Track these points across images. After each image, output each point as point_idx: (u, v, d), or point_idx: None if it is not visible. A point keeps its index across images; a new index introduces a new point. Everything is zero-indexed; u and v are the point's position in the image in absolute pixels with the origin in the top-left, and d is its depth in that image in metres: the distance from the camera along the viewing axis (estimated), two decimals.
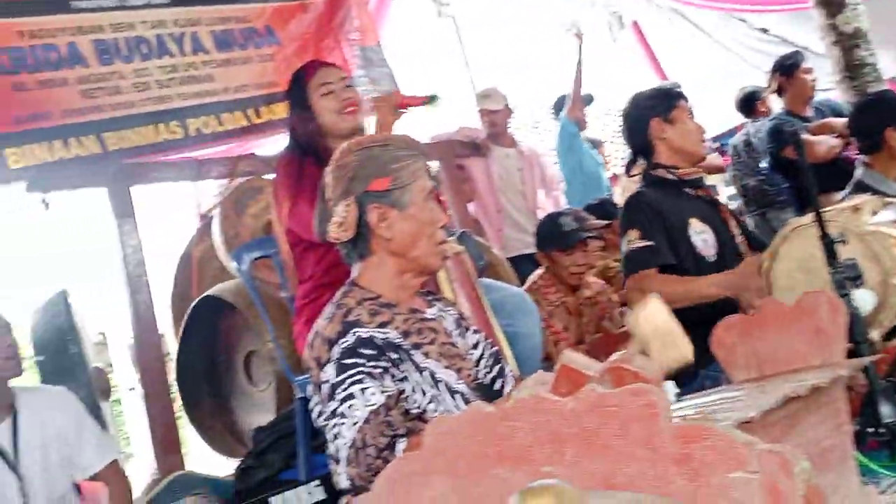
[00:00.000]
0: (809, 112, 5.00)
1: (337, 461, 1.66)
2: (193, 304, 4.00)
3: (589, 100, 5.97)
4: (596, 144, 6.34)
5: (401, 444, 1.61)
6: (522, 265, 4.53)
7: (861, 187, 3.27)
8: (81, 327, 3.97)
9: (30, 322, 4.02)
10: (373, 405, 1.63)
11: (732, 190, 6.01)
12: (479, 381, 1.91)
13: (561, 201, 5.47)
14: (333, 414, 1.65)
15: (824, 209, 2.07)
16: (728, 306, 2.31)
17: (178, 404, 4.10)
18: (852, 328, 1.70)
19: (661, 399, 0.87)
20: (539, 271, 3.88)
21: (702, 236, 2.75)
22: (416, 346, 1.78)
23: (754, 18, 7.08)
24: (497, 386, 1.93)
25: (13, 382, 2.80)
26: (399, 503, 1.04)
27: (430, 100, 2.79)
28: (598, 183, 5.69)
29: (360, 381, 1.64)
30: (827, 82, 5.30)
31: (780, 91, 5.06)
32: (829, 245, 1.93)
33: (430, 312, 1.91)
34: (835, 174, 4.13)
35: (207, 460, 4.21)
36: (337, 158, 1.89)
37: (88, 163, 3.88)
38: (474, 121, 5.38)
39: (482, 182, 5.10)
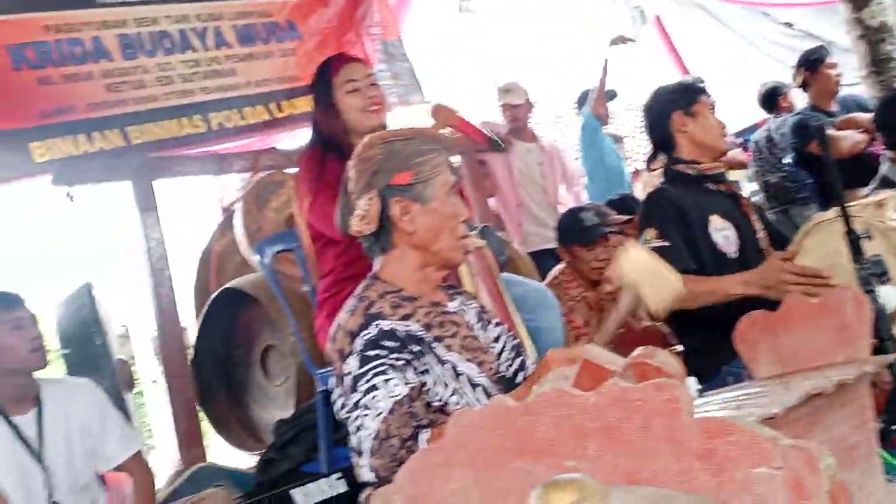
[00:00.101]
0: (834, 107, 4.96)
1: (359, 453, 1.66)
2: (212, 297, 4.02)
3: (612, 95, 5.94)
4: (617, 140, 6.32)
5: (424, 435, 1.62)
6: (543, 260, 4.52)
7: (886, 183, 3.25)
8: (106, 320, 4.01)
9: (55, 315, 4.06)
10: (396, 396, 1.63)
11: (755, 186, 5.96)
12: (501, 374, 1.91)
13: (582, 196, 5.46)
14: (356, 406, 1.66)
15: (849, 204, 2.06)
16: (749, 302, 2.29)
17: None
18: (878, 324, 1.69)
19: (684, 394, 0.87)
20: (560, 266, 3.87)
21: (723, 233, 2.73)
22: (438, 339, 1.79)
23: (779, 12, 7.02)
24: (519, 379, 1.93)
25: (38, 374, 2.84)
26: (421, 495, 1.04)
27: (494, 144, 2.78)
28: (620, 178, 5.66)
29: (383, 373, 1.65)
30: (852, 77, 5.25)
31: (804, 86, 5.02)
32: (854, 241, 1.92)
33: (452, 306, 1.92)
34: (860, 169, 4.10)
35: (229, 453, 4.23)
36: (360, 152, 1.89)
37: (112, 156, 3.90)
38: (496, 115, 5.37)
39: (503, 177, 5.09)
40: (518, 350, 2.00)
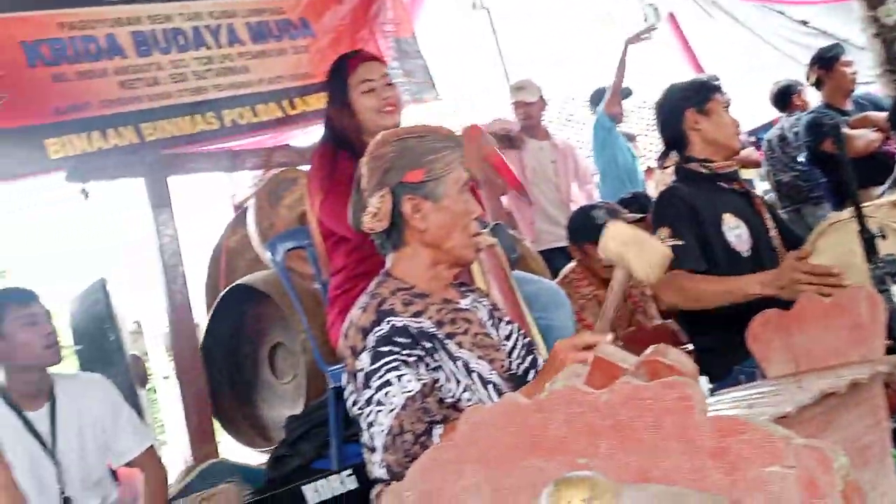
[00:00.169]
0: (849, 105, 4.93)
1: (371, 450, 1.67)
2: (222, 293, 4.03)
3: (627, 93, 5.91)
4: (630, 138, 6.30)
5: (438, 430, 1.62)
6: (555, 258, 4.52)
7: None
8: (119, 316, 4.02)
9: (69, 310, 4.08)
10: (409, 391, 1.63)
11: (767, 185, 5.93)
12: (512, 371, 1.91)
13: (594, 194, 5.44)
14: (369, 402, 1.66)
15: (864, 204, 2.05)
16: (761, 301, 2.28)
17: None
18: (892, 324, 1.68)
19: (697, 392, 0.87)
20: (571, 264, 3.87)
21: (735, 232, 2.72)
22: (450, 336, 1.79)
23: (793, 10, 6.98)
24: (530, 377, 1.93)
25: (51, 369, 2.85)
26: (432, 492, 1.04)
27: (521, 190, 2.77)
28: (633, 177, 5.65)
29: (395, 369, 1.65)
30: (867, 75, 5.22)
31: (819, 84, 4.99)
32: (868, 240, 1.91)
33: (464, 303, 1.92)
34: (874, 168, 4.08)
35: (241, 449, 4.25)
36: (373, 149, 1.89)
37: (126, 153, 3.92)
38: (508, 113, 5.37)
39: (515, 174, 5.08)
40: (530, 348, 2.00)
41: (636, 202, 4.48)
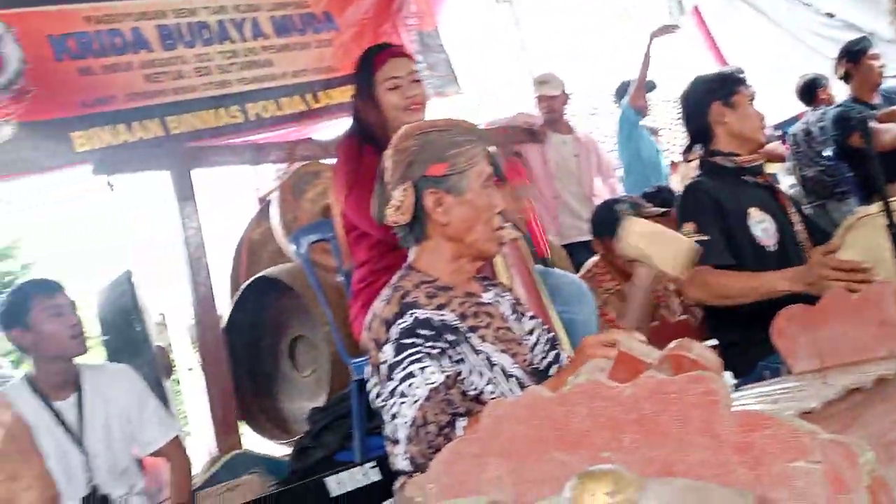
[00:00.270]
0: (877, 99, 4.88)
1: (394, 442, 1.67)
2: (244, 285, 4.06)
3: (651, 87, 5.88)
4: (654, 132, 6.26)
5: (461, 423, 1.62)
6: (578, 252, 4.51)
7: None
8: (144, 307, 4.06)
9: (96, 301, 4.12)
10: (433, 383, 1.64)
11: (793, 180, 5.88)
12: (535, 366, 1.91)
13: (617, 188, 5.42)
14: (392, 394, 1.66)
15: (892, 199, 2.02)
16: (785, 296, 2.27)
17: None
18: None
19: (721, 387, 0.87)
20: (594, 259, 3.85)
21: (762, 226, 2.70)
22: (473, 329, 1.79)
23: (820, 3, 6.90)
24: (552, 371, 1.93)
25: (78, 360, 2.89)
26: (455, 485, 1.05)
27: (547, 262, 2.78)
28: (657, 171, 5.62)
29: (419, 361, 1.66)
30: (895, 69, 5.16)
31: (846, 77, 4.94)
32: None
33: (487, 297, 1.92)
34: None
35: (263, 441, 4.28)
36: (396, 142, 1.90)
37: (151, 146, 3.96)
38: (531, 107, 5.35)
39: (538, 168, 5.08)
40: (553, 343, 2.00)
41: (660, 196, 4.46)
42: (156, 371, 3.84)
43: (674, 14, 6.70)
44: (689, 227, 2.65)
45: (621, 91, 5.94)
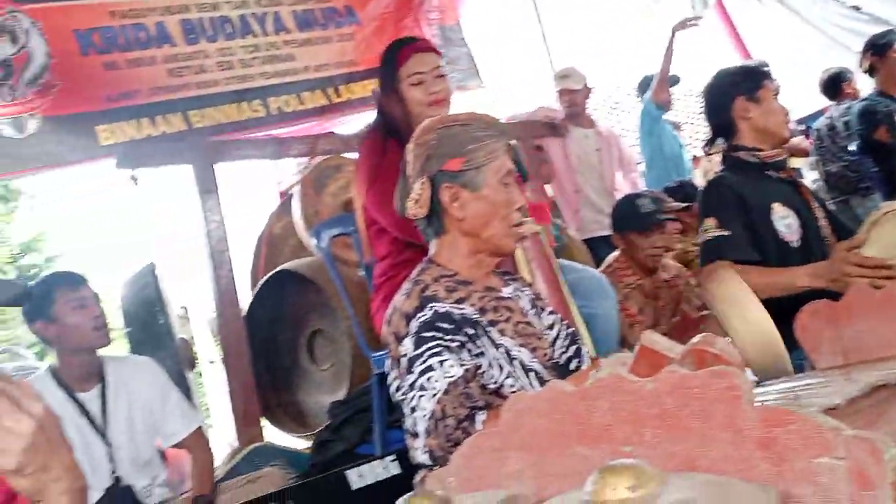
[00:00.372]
0: None
1: (414, 435, 1.68)
2: (263, 279, 4.07)
3: (675, 81, 5.84)
4: (676, 126, 6.23)
5: (480, 416, 1.62)
6: (599, 247, 4.49)
7: None
8: (168, 300, 4.09)
9: (120, 294, 4.16)
10: (451, 377, 1.64)
11: (816, 175, 5.83)
12: (554, 360, 1.90)
13: (638, 183, 5.39)
14: (412, 387, 1.67)
15: None
16: (809, 292, 2.25)
17: None
18: None
19: (744, 382, 0.86)
20: (615, 253, 3.84)
21: (785, 221, 2.67)
22: (492, 323, 1.79)
23: None
24: (572, 367, 1.93)
25: (101, 352, 2.91)
26: (475, 479, 1.05)
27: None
28: (679, 166, 5.59)
29: (438, 354, 1.66)
30: None
31: (871, 71, 4.89)
32: None
33: (506, 291, 1.92)
34: None
35: (283, 434, 4.30)
36: (417, 136, 1.90)
37: (174, 140, 3.98)
38: (551, 102, 5.34)
39: (560, 163, 5.06)
40: (573, 338, 1.99)
41: (682, 191, 4.44)
42: (178, 363, 3.87)
43: (697, 7, 6.65)
44: (711, 222, 2.63)
45: (644, 85, 5.90)
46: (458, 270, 1.85)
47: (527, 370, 1.79)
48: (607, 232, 4.21)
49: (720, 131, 2.85)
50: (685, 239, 4.21)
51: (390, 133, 2.65)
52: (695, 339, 1.19)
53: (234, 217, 4.22)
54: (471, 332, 1.73)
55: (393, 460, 2.65)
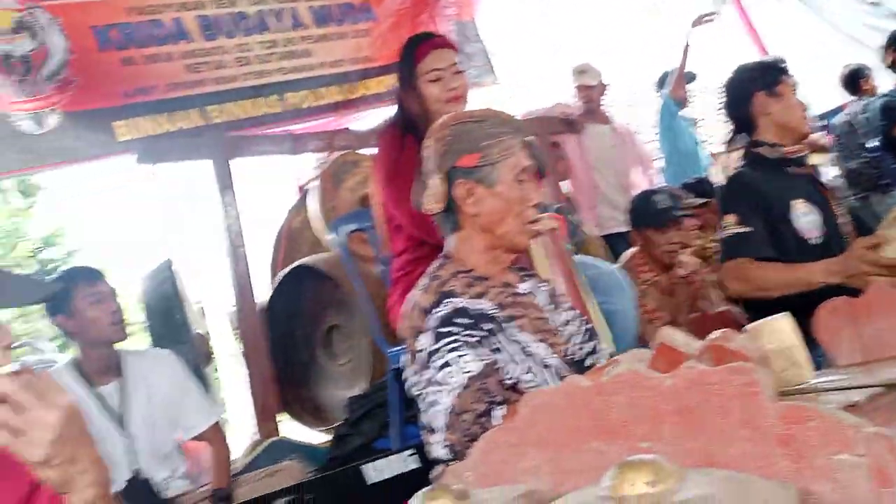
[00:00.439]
0: None
1: (431, 430, 1.68)
2: (280, 274, 4.08)
3: (691, 77, 5.82)
4: (693, 122, 6.20)
5: (498, 411, 1.62)
6: (616, 243, 4.48)
7: None
8: (185, 295, 4.11)
9: (140, 288, 4.18)
10: (469, 372, 1.64)
11: (837, 171, 5.79)
12: (571, 356, 1.90)
13: (655, 179, 5.38)
14: (429, 382, 1.67)
15: None
16: (827, 288, 2.23)
17: None
18: None
19: (763, 378, 0.86)
20: (633, 250, 3.83)
21: (806, 218, 2.65)
22: (510, 319, 1.79)
23: None
24: (589, 363, 1.92)
25: (120, 345, 2.93)
26: (493, 474, 1.05)
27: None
28: (696, 162, 5.57)
29: (456, 349, 1.66)
30: None
31: (894, 66, 4.85)
32: None
33: (523, 287, 1.92)
34: None
35: (300, 428, 4.31)
36: (434, 131, 1.90)
37: (192, 135, 4.00)
38: (569, 98, 5.32)
39: (577, 159, 5.05)
40: (590, 334, 1.99)
41: (700, 187, 4.42)
42: (196, 357, 3.89)
43: (715, 2, 6.60)
44: (730, 218, 2.62)
45: (661, 81, 5.88)
46: (475, 266, 1.85)
47: (544, 366, 1.78)
48: (624, 228, 4.20)
49: (740, 127, 2.84)
50: (703, 235, 4.19)
51: (408, 129, 2.65)
52: (713, 335, 1.19)
53: (252, 212, 4.24)
54: (488, 327, 1.73)
55: (411, 454, 2.65)
